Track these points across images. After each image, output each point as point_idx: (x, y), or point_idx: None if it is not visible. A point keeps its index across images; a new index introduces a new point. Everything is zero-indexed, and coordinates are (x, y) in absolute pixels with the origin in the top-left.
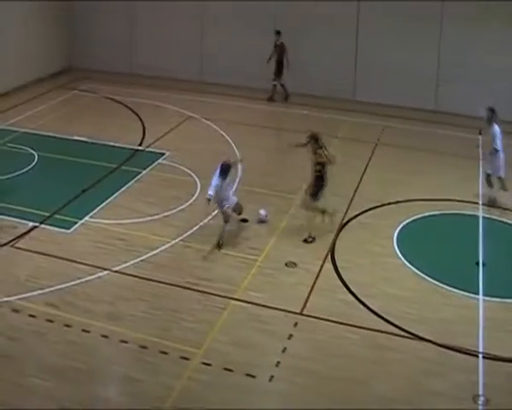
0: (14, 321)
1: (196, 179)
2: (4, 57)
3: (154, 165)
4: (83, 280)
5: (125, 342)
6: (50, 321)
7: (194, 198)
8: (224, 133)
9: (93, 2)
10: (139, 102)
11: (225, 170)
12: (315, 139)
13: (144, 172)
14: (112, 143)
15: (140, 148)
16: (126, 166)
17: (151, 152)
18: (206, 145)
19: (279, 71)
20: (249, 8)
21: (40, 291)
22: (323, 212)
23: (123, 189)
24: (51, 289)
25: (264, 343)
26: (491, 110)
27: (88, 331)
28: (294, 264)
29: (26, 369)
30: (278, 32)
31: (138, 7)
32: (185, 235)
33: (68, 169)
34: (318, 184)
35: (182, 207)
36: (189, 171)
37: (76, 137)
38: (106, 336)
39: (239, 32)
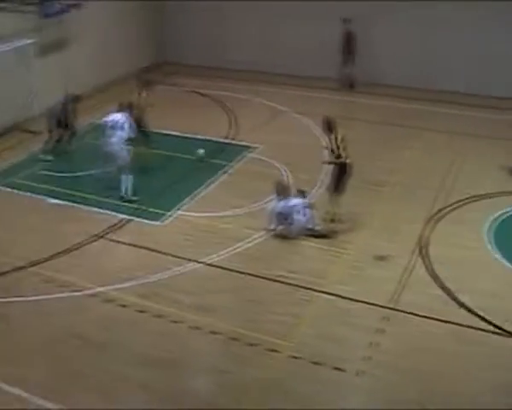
0: (106, 311)
1: (286, 173)
2: (99, 53)
3: (243, 158)
4: (173, 272)
5: (215, 333)
6: (142, 312)
7: None
8: (313, 127)
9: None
10: (228, 96)
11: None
12: (328, 125)
13: (233, 165)
14: (201, 137)
15: (229, 141)
16: (216, 160)
17: (240, 145)
18: (295, 139)
19: (348, 58)
20: None
21: (132, 282)
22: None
23: (212, 182)
24: (143, 280)
25: (353, 337)
26: None
27: (178, 322)
28: (383, 257)
29: (118, 357)
30: (346, 20)
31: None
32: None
33: (159, 162)
34: (337, 175)
35: (271, 200)
36: (278, 164)
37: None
38: (196, 328)
39: (324, 23)
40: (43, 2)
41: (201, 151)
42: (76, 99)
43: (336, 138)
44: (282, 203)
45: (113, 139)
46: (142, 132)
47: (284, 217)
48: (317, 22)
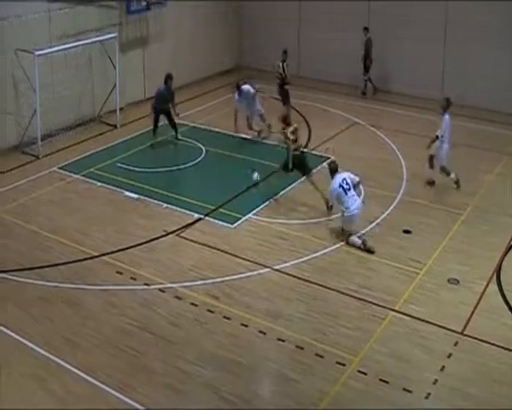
0: (176, 308)
1: (360, 186)
2: (181, 55)
3: (318, 168)
4: (244, 275)
5: (282, 340)
6: (211, 311)
7: None
8: (389, 141)
9: (261, 2)
10: (305, 105)
11: None
12: (283, 119)
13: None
14: (277, 143)
15: (305, 150)
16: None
17: (316, 155)
18: (370, 153)
19: (367, 65)
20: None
21: (202, 281)
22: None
23: (287, 190)
24: (213, 280)
25: (423, 359)
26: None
27: (246, 326)
28: (457, 281)
29: (186, 355)
30: (366, 29)
31: (305, 10)
32: None
33: (234, 165)
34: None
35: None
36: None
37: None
38: (263, 333)
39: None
40: None
41: (256, 175)
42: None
43: (291, 131)
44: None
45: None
46: None
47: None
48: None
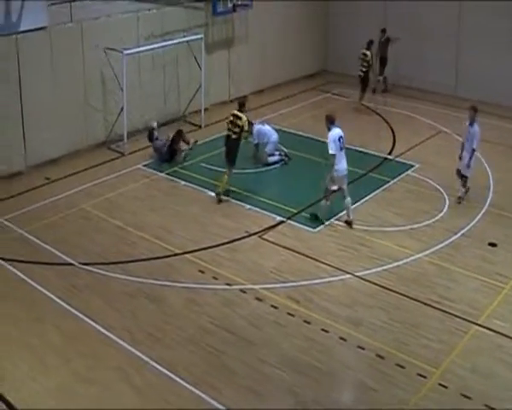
0: (257, 309)
1: (445, 196)
2: (266, 57)
3: (402, 175)
4: (325, 280)
5: (362, 348)
6: (291, 315)
7: (441, 214)
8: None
9: (349, 2)
10: (391, 111)
11: None
12: (241, 103)
13: (392, 181)
14: (361, 149)
15: (389, 157)
16: (375, 174)
17: (400, 162)
18: (455, 162)
19: (382, 65)
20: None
21: (283, 284)
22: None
23: (370, 196)
24: (294, 283)
25: (507, 376)
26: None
27: (327, 331)
28: None
29: (265, 357)
30: (383, 30)
31: (392, 16)
32: (430, 251)
33: (317, 169)
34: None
35: (428, 221)
36: (437, 186)
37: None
38: (344, 339)
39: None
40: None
41: None
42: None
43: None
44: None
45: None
46: None
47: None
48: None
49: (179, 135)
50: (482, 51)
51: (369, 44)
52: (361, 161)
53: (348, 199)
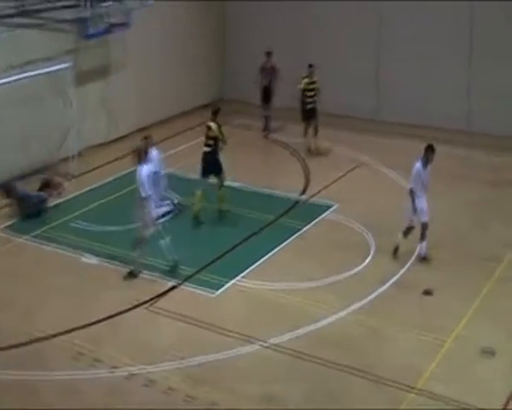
0: (148, 396)
1: (370, 239)
2: (149, 86)
3: (318, 219)
4: (231, 352)
5: None
6: (190, 399)
7: (367, 261)
8: (405, 184)
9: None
10: (303, 142)
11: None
12: (214, 111)
13: (307, 227)
14: (269, 191)
15: (303, 197)
16: (286, 219)
17: (316, 204)
18: (382, 198)
19: (266, 99)
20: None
21: (180, 363)
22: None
23: (281, 246)
24: (193, 361)
25: None
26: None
27: None
28: (493, 351)
29: None
30: (268, 53)
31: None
32: (355, 306)
33: (216, 219)
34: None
35: (352, 271)
36: (361, 229)
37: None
38: None
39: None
40: (86, 19)
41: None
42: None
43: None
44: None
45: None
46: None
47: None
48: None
49: (46, 185)
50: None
51: (310, 68)
52: (269, 204)
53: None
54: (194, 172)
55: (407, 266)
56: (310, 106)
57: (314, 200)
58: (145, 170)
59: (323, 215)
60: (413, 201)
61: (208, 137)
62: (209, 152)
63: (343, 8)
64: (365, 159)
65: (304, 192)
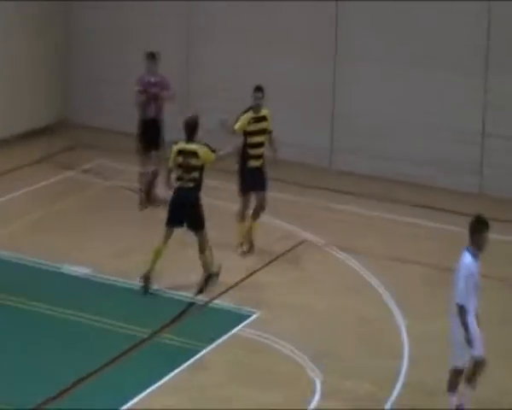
0: None
1: (311, 371)
2: None
3: (225, 337)
4: None
5: None
6: None
7: None
8: (367, 274)
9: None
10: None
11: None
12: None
13: (205, 350)
14: (135, 283)
15: (200, 297)
16: (168, 336)
17: (222, 309)
18: (335, 303)
19: (152, 141)
20: None
21: None
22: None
23: (157, 384)
24: None
25: None
26: None
27: None
28: None
29: None
30: (153, 56)
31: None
32: None
33: (38, 336)
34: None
35: None
36: (294, 353)
37: (66, 268)
38: None
39: None
40: None
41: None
42: None
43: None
44: None
45: None
46: None
47: None
48: None
49: None
50: None
51: (257, 94)
52: (136, 308)
53: None
54: (12, 248)
55: None
56: (256, 164)
57: (219, 303)
58: None
59: (234, 330)
60: (466, 326)
61: (188, 169)
62: (190, 189)
63: None
64: (307, 235)
65: (202, 290)
